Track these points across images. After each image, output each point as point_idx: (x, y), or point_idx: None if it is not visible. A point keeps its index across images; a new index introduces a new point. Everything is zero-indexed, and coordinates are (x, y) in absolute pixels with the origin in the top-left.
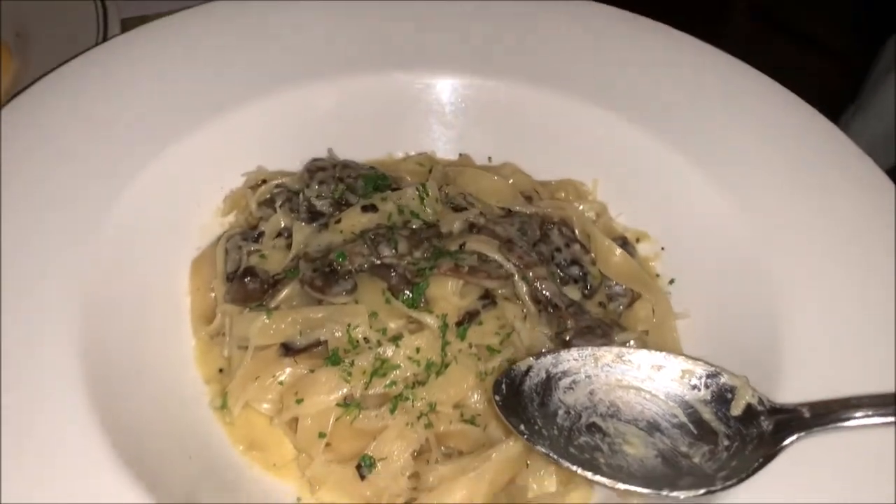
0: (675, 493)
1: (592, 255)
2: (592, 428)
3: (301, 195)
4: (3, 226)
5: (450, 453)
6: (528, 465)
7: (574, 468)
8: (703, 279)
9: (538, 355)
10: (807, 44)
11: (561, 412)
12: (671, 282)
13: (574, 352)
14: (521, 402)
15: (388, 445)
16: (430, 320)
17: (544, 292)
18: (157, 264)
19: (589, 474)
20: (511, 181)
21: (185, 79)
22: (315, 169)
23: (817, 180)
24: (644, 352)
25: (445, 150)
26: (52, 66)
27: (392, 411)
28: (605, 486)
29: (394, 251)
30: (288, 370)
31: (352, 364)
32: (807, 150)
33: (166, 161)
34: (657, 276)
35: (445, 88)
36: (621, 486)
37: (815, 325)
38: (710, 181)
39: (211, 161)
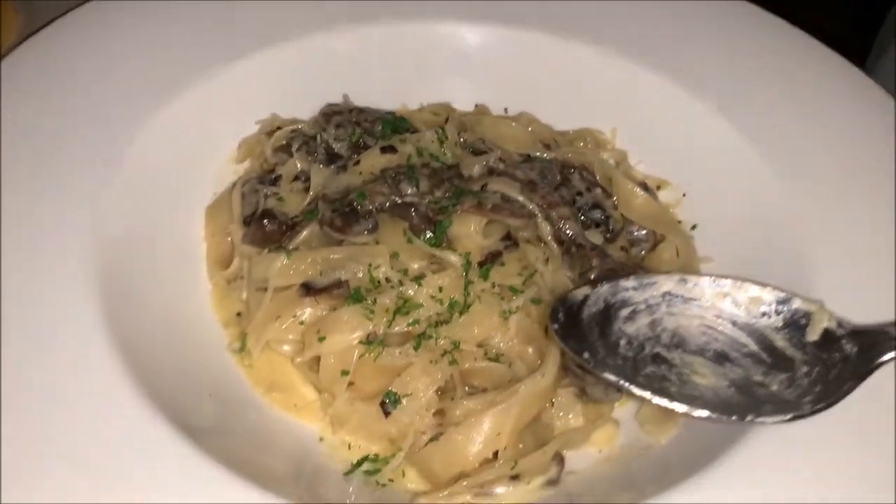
0: (761, 419)
1: (614, 199)
2: (657, 359)
3: (318, 137)
4: (18, 167)
5: (474, 393)
6: (552, 403)
7: (647, 394)
8: (726, 225)
9: (594, 283)
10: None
11: (623, 343)
12: (693, 227)
13: (633, 280)
14: (581, 331)
15: (413, 382)
16: (454, 259)
17: (567, 232)
18: (171, 210)
19: (665, 401)
20: (530, 129)
21: (197, 25)
22: (331, 113)
23: (840, 123)
24: (707, 279)
25: (461, 102)
26: None
27: (416, 349)
28: (681, 413)
29: (415, 189)
30: (308, 310)
31: (374, 302)
32: (829, 93)
33: (179, 107)
34: (679, 222)
35: (461, 38)
36: (702, 412)
37: (844, 268)
38: (732, 126)
39: (225, 108)
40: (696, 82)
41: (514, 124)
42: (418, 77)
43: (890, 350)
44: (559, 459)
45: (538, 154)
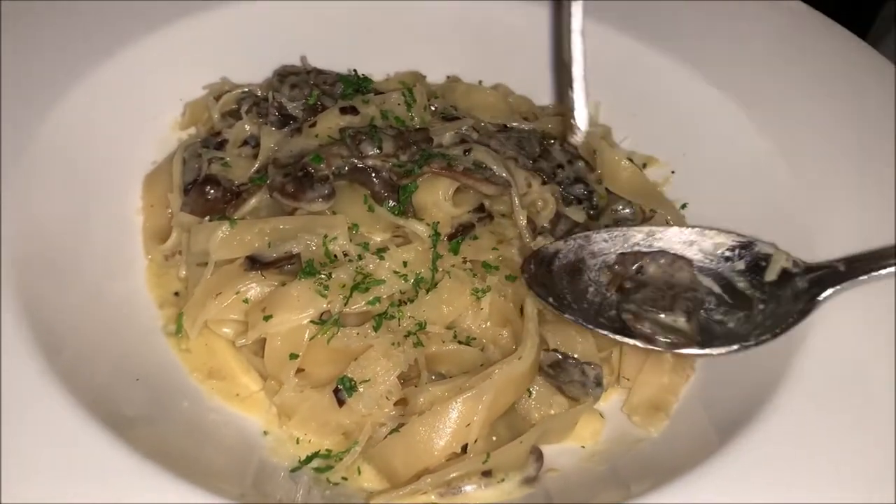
0: (707, 350)
1: (598, 172)
2: (623, 302)
3: (270, 97)
4: None
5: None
6: (531, 393)
7: (604, 332)
8: (718, 203)
9: (567, 238)
10: None
11: (591, 289)
12: (683, 206)
13: (604, 233)
14: (551, 281)
15: (371, 366)
16: (420, 229)
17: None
18: (103, 180)
19: (619, 337)
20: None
21: None
22: (286, 73)
23: (841, 94)
24: (675, 229)
25: (433, 73)
26: None
27: (376, 329)
28: (636, 346)
29: (377, 151)
30: (254, 286)
31: (329, 277)
32: (828, 63)
33: (113, 68)
34: (669, 201)
35: (434, 5)
36: (649, 346)
37: (845, 244)
38: (726, 98)
39: (167, 70)
40: (687, 53)
41: (489, 92)
42: (386, 46)
43: (834, 284)
44: (538, 455)
45: (515, 124)
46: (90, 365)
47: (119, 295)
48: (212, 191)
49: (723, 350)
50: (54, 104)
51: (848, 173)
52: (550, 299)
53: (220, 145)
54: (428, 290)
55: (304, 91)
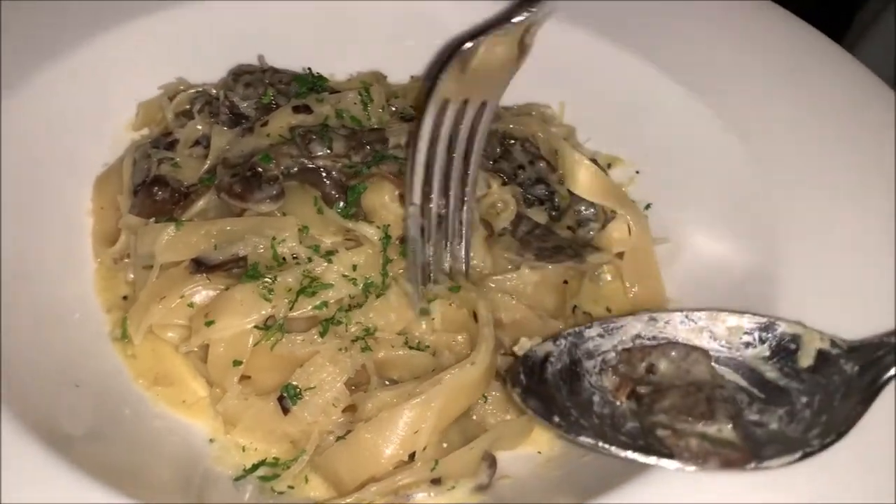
0: (765, 465)
1: (560, 172)
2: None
3: (221, 95)
4: None
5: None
6: (487, 398)
7: (633, 455)
8: (683, 203)
9: (555, 338)
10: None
11: (596, 398)
12: (647, 207)
13: (597, 327)
14: (548, 392)
15: (317, 373)
16: (370, 232)
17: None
18: (55, 182)
19: (653, 459)
20: None
21: None
22: (241, 72)
23: (808, 92)
24: (679, 314)
25: (399, 74)
26: None
27: (322, 335)
28: (682, 470)
29: (328, 151)
30: (200, 290)
31: (274, 280)
32: (796, 61)
33: (65, 67)
34: (632, 202)
35: (398, 4)
36: (700, 468)
37: (813, 247)
38: (691, 97)
39: (122, 70)
40: (652, 52)
41: None
42: (347, 46)
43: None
44: (491, 461)
45: None
46: (27, 370)
47: (66, 299)
48: (159, 192)
49: (784, 460)
50: (4, 103)
51: (816, 173)
52: (556, 419)
53: (171, 146)
54: (378, 295)
55: (258, 90)
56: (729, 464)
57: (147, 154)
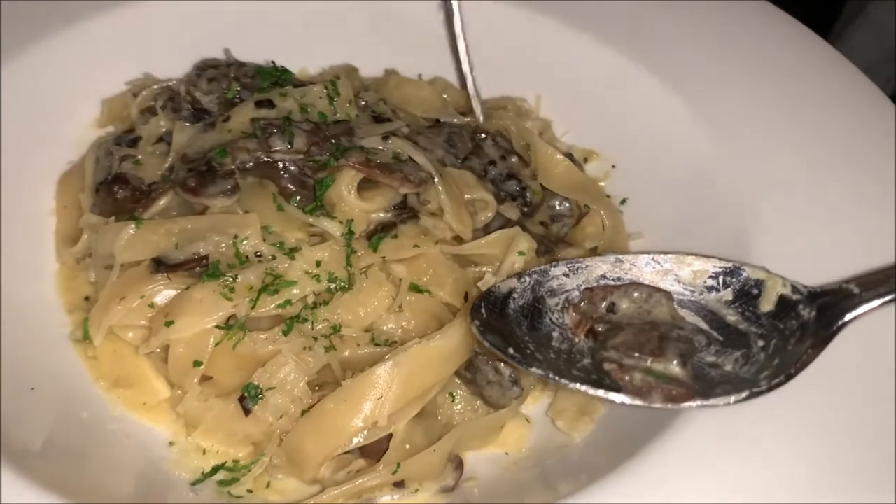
0: (711, 402)
1: (532, 167)
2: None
3: (183, 91)
4: None
5: None
6: (454, 397)
7: (581, 387)
8: (658, 198)
9: (520, 275)
10: None
11: (556, 334)
12: (623, 201)
13: (563, 266)
14: (507, 327)
15: (279, 372)
16: (331, 227)
17: None
18: (17, 180)
19: (601, 392)
20: (445, 96)
21: None
22: (205, 67)
23: (786, 87)
24: (645, 256)
25: (373, 68)
26: None
27: (285, 333)
28: (627, 404)
29: (288, 146)
30: (161, 289)
31: (235, 279)
32: (775, 55)
33: (28, 63)
34: (608, 196)
35: None
36: (642, 402)
37: (787, 241)
38: (667, 92)
39: (87, 66)
40: (629, 45)
41: (421, 85)
42: (319, 39)
43: (852, 309)
44: (457, 463)
45: (448, 119)
46: None
47: (27, 300)
48: (120, 190)
49: (730, 399)
50: None
51: (793, 166)
52: (511, 350)
53: (134, 143)
54: (344, 291)
55: (222, 85)
56: (672, 398)
57: (109, 151)
